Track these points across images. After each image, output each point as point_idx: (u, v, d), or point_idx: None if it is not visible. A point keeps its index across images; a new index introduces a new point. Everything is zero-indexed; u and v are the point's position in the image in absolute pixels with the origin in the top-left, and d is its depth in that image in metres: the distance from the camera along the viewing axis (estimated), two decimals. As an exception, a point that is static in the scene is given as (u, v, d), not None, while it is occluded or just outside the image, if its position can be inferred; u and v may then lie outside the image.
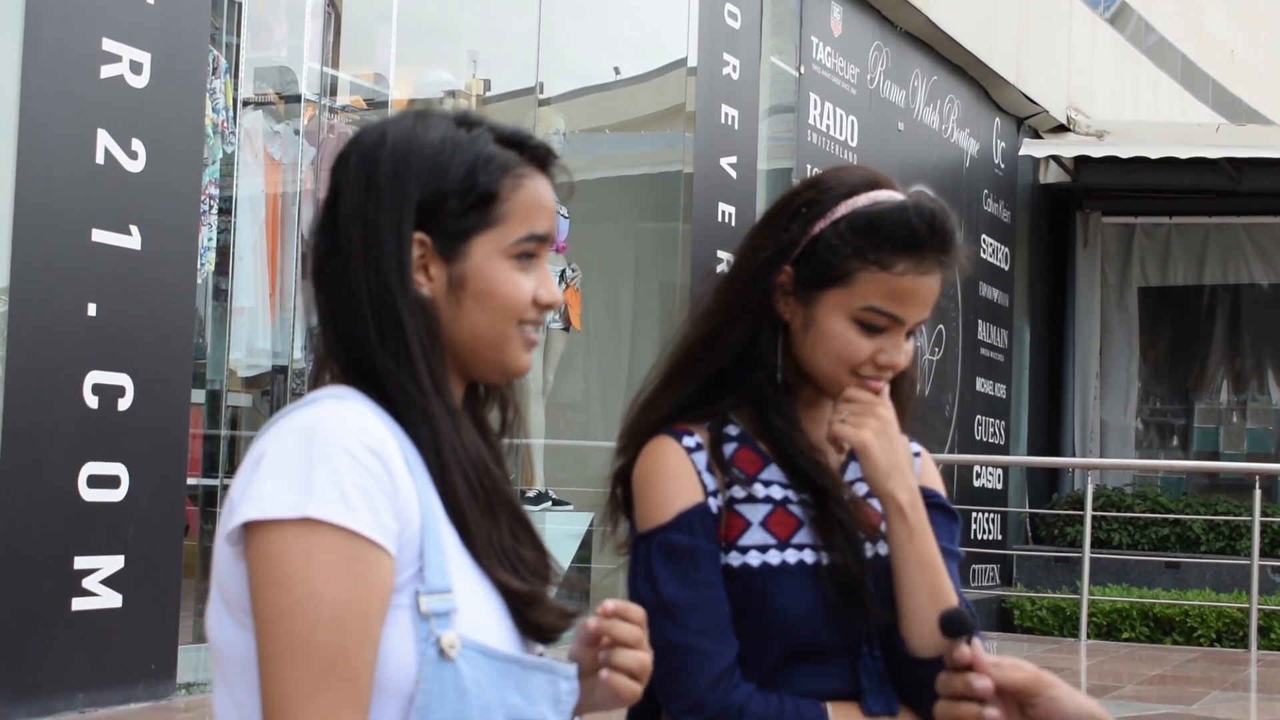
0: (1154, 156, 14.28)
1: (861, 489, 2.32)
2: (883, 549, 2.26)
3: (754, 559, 2.23)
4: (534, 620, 1.78)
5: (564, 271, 9.54)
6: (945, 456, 12.83)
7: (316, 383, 1.84)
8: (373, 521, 1.64)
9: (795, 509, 2.27)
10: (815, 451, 2.29)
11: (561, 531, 9.25)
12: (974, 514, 13.86)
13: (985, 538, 14.16)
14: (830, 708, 2.20)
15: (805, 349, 2.27)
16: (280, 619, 1.62)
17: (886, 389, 2.28)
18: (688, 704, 2.18)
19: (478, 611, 1.73)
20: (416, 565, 1.69)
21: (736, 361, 2.30)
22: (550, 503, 9.54)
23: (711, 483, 2.26)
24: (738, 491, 2.26)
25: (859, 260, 2.22)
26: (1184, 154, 14.19)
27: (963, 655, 1.58)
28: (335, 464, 1.65)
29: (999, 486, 14.57)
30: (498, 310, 1.80)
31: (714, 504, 2.25)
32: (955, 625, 1.59)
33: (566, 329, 9.68)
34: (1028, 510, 15.12)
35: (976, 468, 13.91)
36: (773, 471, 2.29)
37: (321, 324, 1.82)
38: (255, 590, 1.65)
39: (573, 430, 10.33)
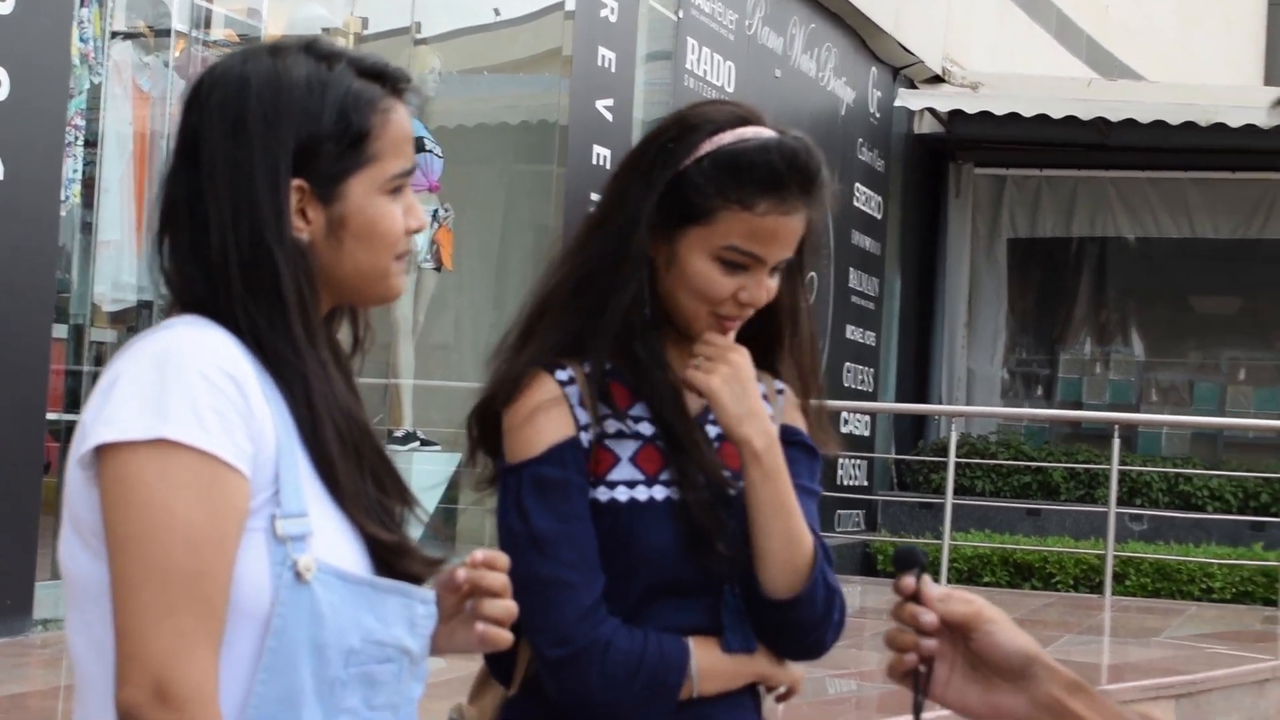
0: (1027, 114, 14.44)
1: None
2: (740, 485, 2.28)
3: (621, 494, 2.26)
4: (400, 569, 1.79)
5: (436, 211, 9.50)
6: (813, 403, 12.92)
7: (166, 316, 1.82)
8: (227, 443, 1.65)
9: (664, 445, 2.29)
10: (676, 390, 2.30)
11: (429, 472, 9.24)
12: (840, 460, 14.00)
13: (851, 484, 14.32)
14: (692, 643, 2.24)
15: (668, 286, 2.28)
16: (134, 541, 1.62)
17: (732, 336, 2.30)
18: (555, 637, 2.20)
19: (334, 539, 1.74)
20: (272, 489, 1.70)
21: (608, 299, 2.29)
22: (418, 443, 9.52)
23: (583, 417, 2.27)
24: (609, 426, 2.27)
25: (721, 199, 2.23)
26: (1057, 113, 14.36)
27: (907, 585, 1.66)
28: (189, 386, 1.65)
29: (866, 433, 14.72)
30: (379, 246, 1.81)
31: (585, 438, 2.26)
32: (906, 559, 1.67)
33: (438, 269, 9.64)
34: (893, 457, 15.29)
35: (844, 414, 14.05)
36: (643, 408, 2.31)
37: (176, 269, 1.80)
38: (108, 513, 1.65)
39: (443, 371, 10.31)
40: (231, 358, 1.70)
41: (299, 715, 1.70)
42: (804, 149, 2.27)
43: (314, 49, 1.84)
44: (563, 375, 2.28)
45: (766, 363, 2.39)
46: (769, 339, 2.38)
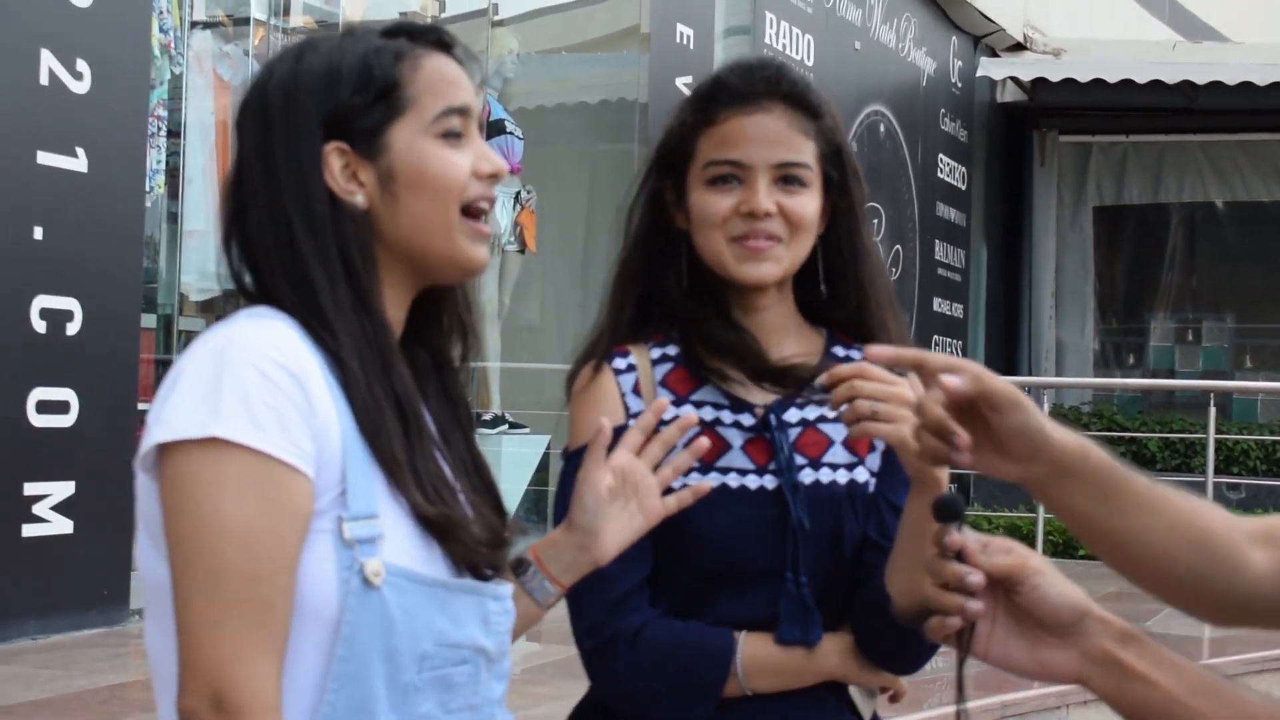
0: (1112, 80, 14.26)
1: (814, 412, 2.27)
2: (823, 476, 2.24)
3: (675, 482, 2.17)
4: (454, 550, 1.73)
5: (519, 194, 9.48)
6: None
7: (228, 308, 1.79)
8: (285, 442, 1.60)
9: (725, 431, 2.24)
10: (756, 370, 2.26)
11: (517, 455, 9.24)
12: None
13: (943, 458, 14.21)
14: (742, 637, 2.18)
15: (697, 241, 2.28)
16: (188, 543, 1.58)
17: (907, 384, 2.18)
18: (587, 624, 2.19)
19: (405, 538, 1.69)
20: (338, 489, 1.65)
21: (657, 280, 2.30)
22: (506, 426, 9.52)
23: (636, 404, 2.25)
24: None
25: (695, 131, 2.26)
26: (1141, 77, 14.17)
27: (954, 541, 1.54)
28: (244, 382, 1.60)
29: (956, 406, 14.60)
30: (435, 192, 1.76)
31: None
32: (948, 511, 1.56)
33: (522, 251, 9.63)
34: (985, 430, 15.14)
35: (934, 388, 13.95)
36: (706, 392, 2.27)
37: (232, 259, 1.78)
38: (166, 514, 1.61)
39: (529, 353, 10.31)
40: (291, 351, 1.65)
41: None
42: (757, 58, 2.34)
43: (345, 31, 1.83)
44: (621, 363, 2.27)
45: (861, 332, 2.32)
46: (862, 314, 2.32)
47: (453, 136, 1.78)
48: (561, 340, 10.07)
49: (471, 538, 1.75)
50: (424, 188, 1.75)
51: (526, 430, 9.57)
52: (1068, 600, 1.55)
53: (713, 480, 2.20)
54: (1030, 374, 15.61)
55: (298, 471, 1.61)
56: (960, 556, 1.54)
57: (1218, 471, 12.25)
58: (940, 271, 14.35)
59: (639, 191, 2.35)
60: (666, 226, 2.30)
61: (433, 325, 1.87)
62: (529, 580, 1.98)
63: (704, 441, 2.08)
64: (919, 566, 2.14)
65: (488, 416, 9.49)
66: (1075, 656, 1.55)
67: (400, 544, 1.68)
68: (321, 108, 1.74)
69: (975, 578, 1.53)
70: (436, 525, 1.71)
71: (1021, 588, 1.55)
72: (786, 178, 2.23)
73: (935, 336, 14.22)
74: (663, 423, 2.08)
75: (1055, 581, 1.55)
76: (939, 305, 14.31)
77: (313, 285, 1.70)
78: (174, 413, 1.61)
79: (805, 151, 2.25)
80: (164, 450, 1.61)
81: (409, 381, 1.76)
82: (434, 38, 1.82)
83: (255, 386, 1.60)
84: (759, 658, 2.18)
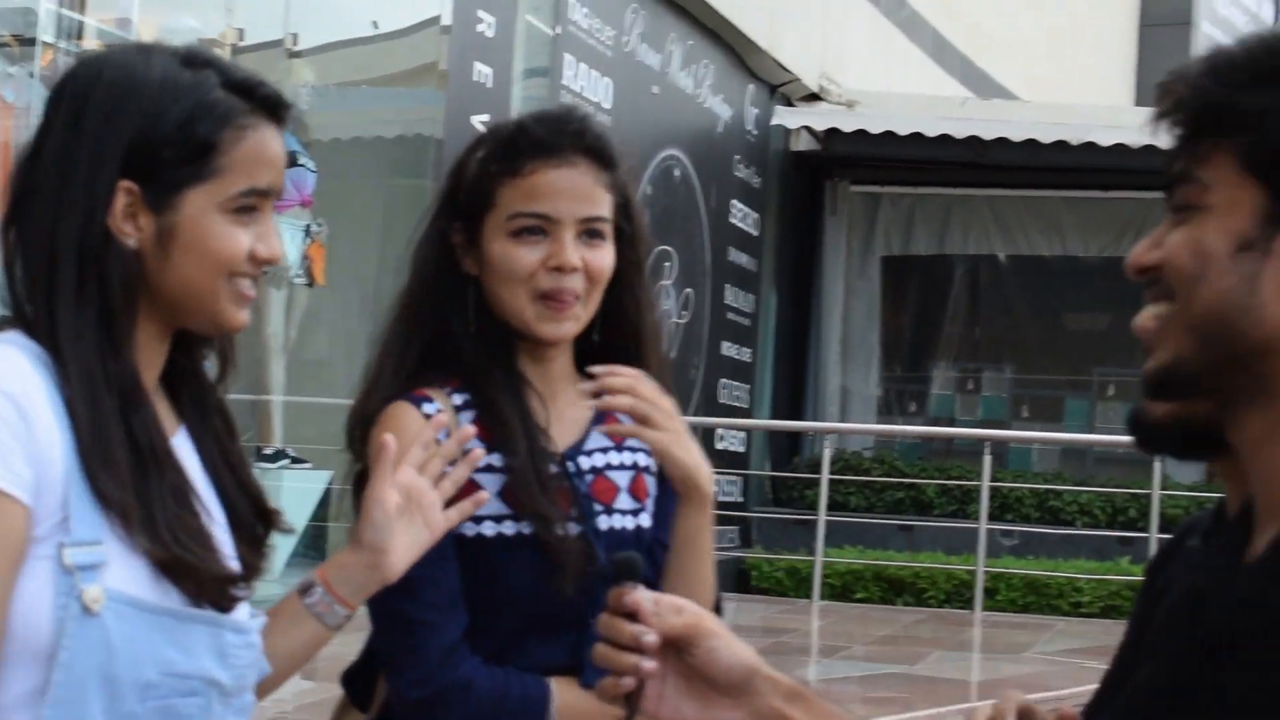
0: (902, 132, 14.59)
1: (601, 460, 2.33)
2: (616, 521, 2.30)
3: (488, 529, 2.23)
4: (187, 589, 1.71)
5: (309, 227, 9.41)
6: (690, 419, 12.92)
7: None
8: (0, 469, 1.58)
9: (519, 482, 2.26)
10: (535, 423, 2.28)
11: (299, 490, 9.14)
12: (716, 476, 13.98)
13: (726, 500, 14.35)
14: (553, 683, 2.22)
15: (491, 290, 2.28)
16: None
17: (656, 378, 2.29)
18: (415, 678, 2.19)
19: (133, 564, 1.66)
20: (60, 515, 1.62)
21: (444, 324, 2.30)
22: (288, 460, 9.42)
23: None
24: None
25: (497, 180, 2.26)
26: (931, 131, 14.51)
27: (629, 601, 1.57)
28: None
29: (741, 449, 14.77)
30: (207, 264, 1.73)
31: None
32: (624, 570, 1.58)
33: (310, 285, 9.56)
34: (768, 473, 15.35)
35: (720, 430, 14.09)
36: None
37: (7, 268, 1.74)
38: None
39: (315, 387, 10.21)
40: (17, 376, 1.63)
41: None
42: (564, 110, 2.36)
43: (187, 54, 1.78)
44: (430, 408, 2.25)
45: None
46: (630, 361, 2.35)
47: (245, 212, 1.76)
48: (349, 375, 9.88)
49: (206, 578, 1.72)
50: (200, 258, 1.74)
51: (309, 465, 9.48)
52: (738, 660, 1.57)
53: (525, 528, 2.23)
54: (815, 419, 15.83)
55: (11, 498, 1.59)
56: (634, 616, 1.57)
57: (992, 518, 12.57)
58: (730, 316, 14.51)
59: (427, 231, 2.34)
60: (454, 270, 2.30)
61: (190, 350, 1.85)
62: (316, 603, 1.95)
63: (480, 452, 2.10)
64: (691, 581, 2.24)
65: (269, 451, 9.38)
66: (746, 716, 1.57)
67: (129, 572, 1.66)
68: (133, 138, 1.71)
69: (650, 638, 1.55)
70: (166, 567, 1.69)
71: (694, 649, 1.57)
72: (590, 231, 2.27)
73: (723, 380, 14.38)
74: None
75: (727, 643, 1.58)
76: (727, 349, 14.47)
77: (57, 314, 1.67)
78: None
79: (605, 205, 2.29)
80: None
81: (153, 424, 1.73)
82: (270, 103, 1.79)
83: None
84: (570, 704, 2.22)
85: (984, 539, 11.85)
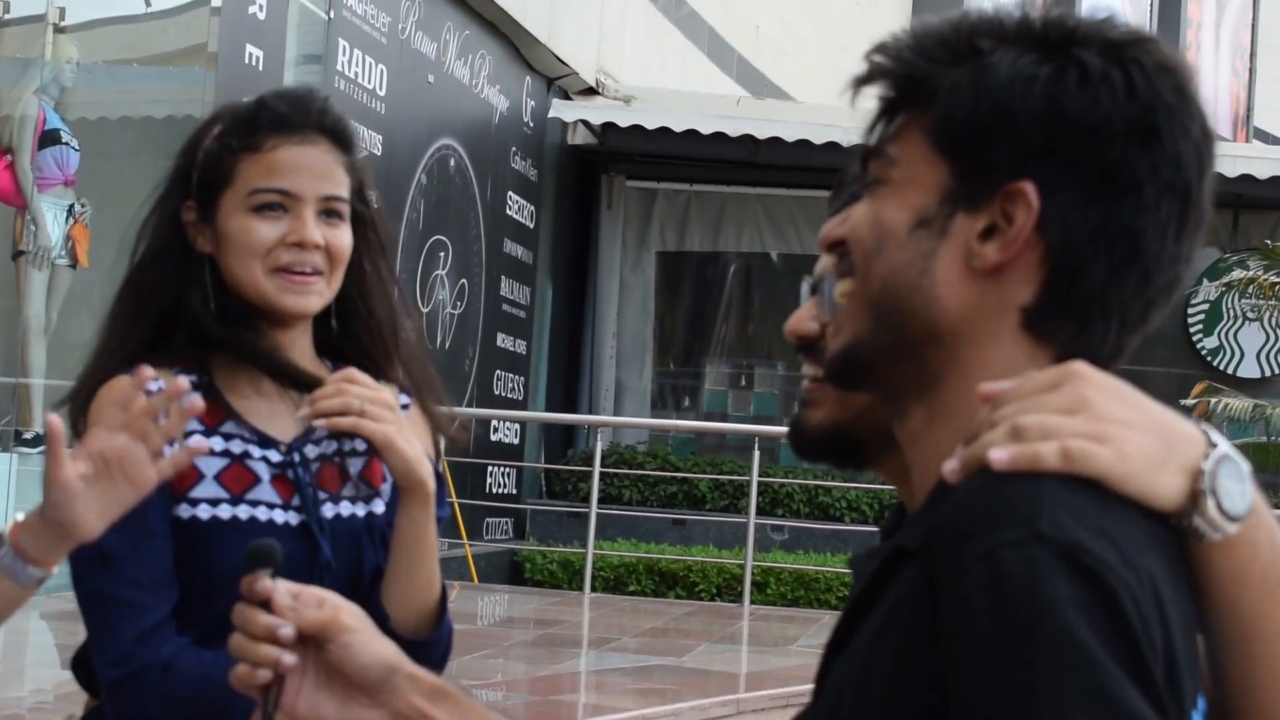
0: (678, 129, 14.68)
1: (331, 447, 2.30)
2: (344, 509, 2.27)
3: (204, 512, 2.19)
4: None
5: (72, 206, 9.16)
6: (464, 411, 12.89)
7: None
8: None
9: (255, 465, 2.23)
10: (271, 404, 2.27)
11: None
12: (489, 468, 13.99)
13: (500, 491, 14.32)
14: None
15: (227, 267, 2.25)
16: None
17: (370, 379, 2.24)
18: (113, 656, 2.13)
19: None
20: None
21: (176, 304, 2.25)
22: (48, 446, 9.16)
23: None
24: (194, 442, 2.15)
25: (237, 155, 2.23)
26: (706, 129, 14.63)
27: (261, 588, 1.51)
28: None
29: (516, 441, 14.75)
30: None
31: (167, 452, 2.14)
32: (259, 557, 1.52)
33: (73, 266, 9.31)
34: (543, 466, 15.36)
35: (494, 422, 14.05)
36: (233, 425, 2.25)
37: None
38: None
39: (77, 370, 9.94)
40: None
41: None
42: (305, 90, 2.35)
43: None
44: (153, 386, 2.16)
45: (382, 374, 2.34)
46: (375, 349, 2.34)
47: None
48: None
49: None
50: None
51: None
52: (378, 658, 1.52)
53: (241, 512, 2.19)
54: (590, 412, 15.87)
55: None
56: (267, 606, 1.53)
57: (762, 513, 12.70)
58: (505, 308, 14.48)
59: (156, 207, 2.30)
60: (185, 248, 2.26)
61: None
62: (6, 562, 1.90)
63: (198, 400, 1.99)
64: (414, 576, 2.21)
65: (29, 435, 9.11)
66: (386, 715, 1.52)
67: None
68: None
69: (286, 630, 1.50)
70: None
71: (331, 645, 1.52)
72: (329, 211, 2.24)
73: (498, 371, 14.33)
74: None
75: (367, 640, 1.53)
76: (503, 341, 14.43)
77: None
78: None
79: (344, 186, 2.27)
80: None
81: None
82: None
83: None
84: None
85: (752, 533, 11.96)
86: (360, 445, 2.29)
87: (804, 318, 1.50)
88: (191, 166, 2.27)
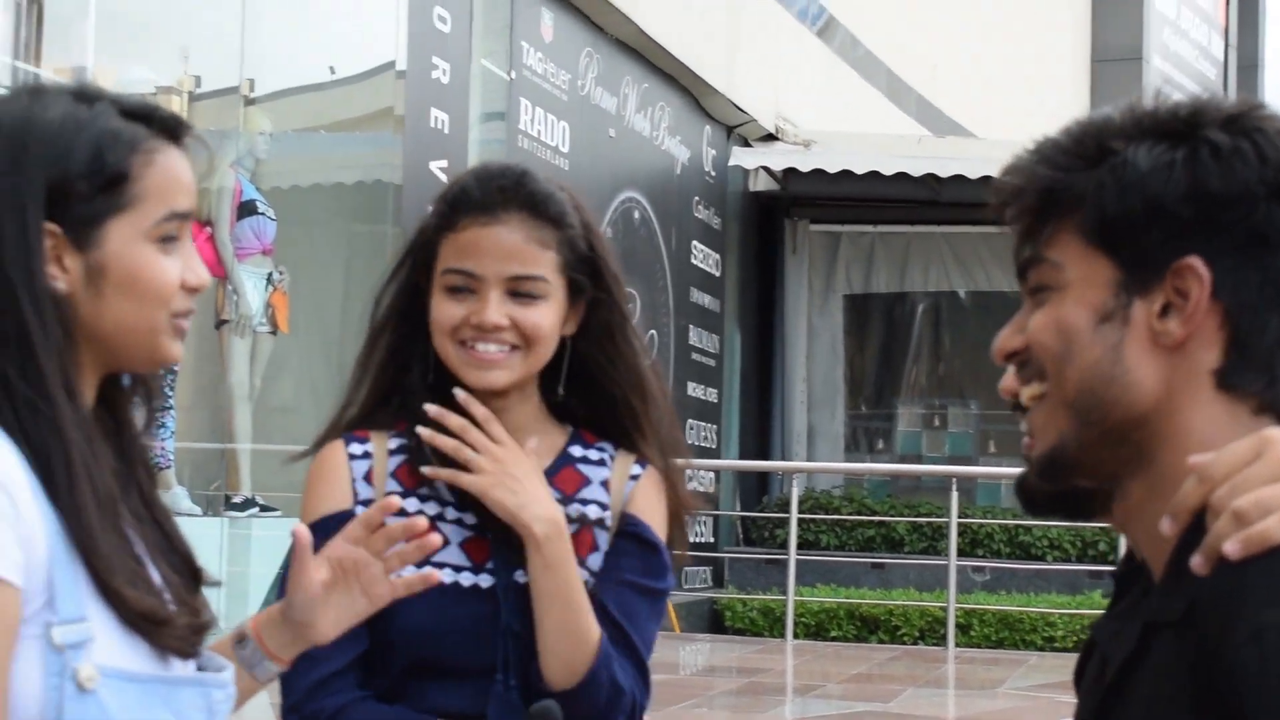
0: (859, 171, 14.63)
1: None
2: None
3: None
4: (161, 643, 1.67)
5: (271, 275, 9.37)
6: (688, 461, 12.91)
7: None
8: None
9: (446, 527, 2.25)
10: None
11: (269, 538, 9.08)
12: (686, 517, 13.97)
13: (697, 540, 14.32)
14: None
15: (434, 341, 2.29)
16: None
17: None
18: (289, 704, 2.20)
19: (114, 635, 1.63)
20: (46, 595, 1.59)
21: (403, 370, 2.31)
22: (257, 508, 9.35)
23: (366, 492, 2.26)
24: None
25: (438, 234, 2.28)
26: (888, 169, 14.56)
27: None
28: None
29: (711, 490, 14.74)
30: (145, 298, 1.68)
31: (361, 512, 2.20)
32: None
33: (274, 333, 9.51)
34: (739, 513, 15.33)
35: (689, 471, 14.04)
36: (432, 488, 2.28)
37: None
38: None
39: (282, 435, 10.14)
40: None
41: None
42: (500, 166, 2.33)
43: (77, 90, 1.73)
44: (357, 449, 2.28)
45: (625, 439, 2.35)
46: (618, 413, 2.34)
47: (169, 241, 1.71)
48: (316, 421, 9.88)
49: (179, 628, 1.70)
50: (134, 292, 1.68)
51: (278, 513, 9.41)
52: None
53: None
54: (782, 458, 15.83)
55: (7, 583, 1.55)
56: None
57: (962, 554, 12.54)
58: (695, 356, 14.51)
59: (390, 280, 2.35)
60: (418, 317, 2.30)
61: (115, 388, 1.79)
62: (248, 656, 1.94)
63: (435, 538, 2.04)
64: (544, 627, 2.21)
65: (238, 499, 9.31)
66: None
67: (107, 643, 1.63)
68: (47, 179, 1.65)
69: None
70: (147, 620, 1.66)
71: None
72: (518, 291, 2.25)
73: (690, 420, 14.35)
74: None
75: None
76: (694, 390, 14.45)
77: (38, 372, 1.62)
78: None
79: (542, 263, 2.26)
80: None
81: (109, 472, 1.69)
82: (170, 126, 1.75)
83: None
84: None
85: (954, 575, 11.81)
86: (572, 511, 2.30)
87: (1010, 334, 1.50)
88: (415, 241, 2.33)
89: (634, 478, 2.35)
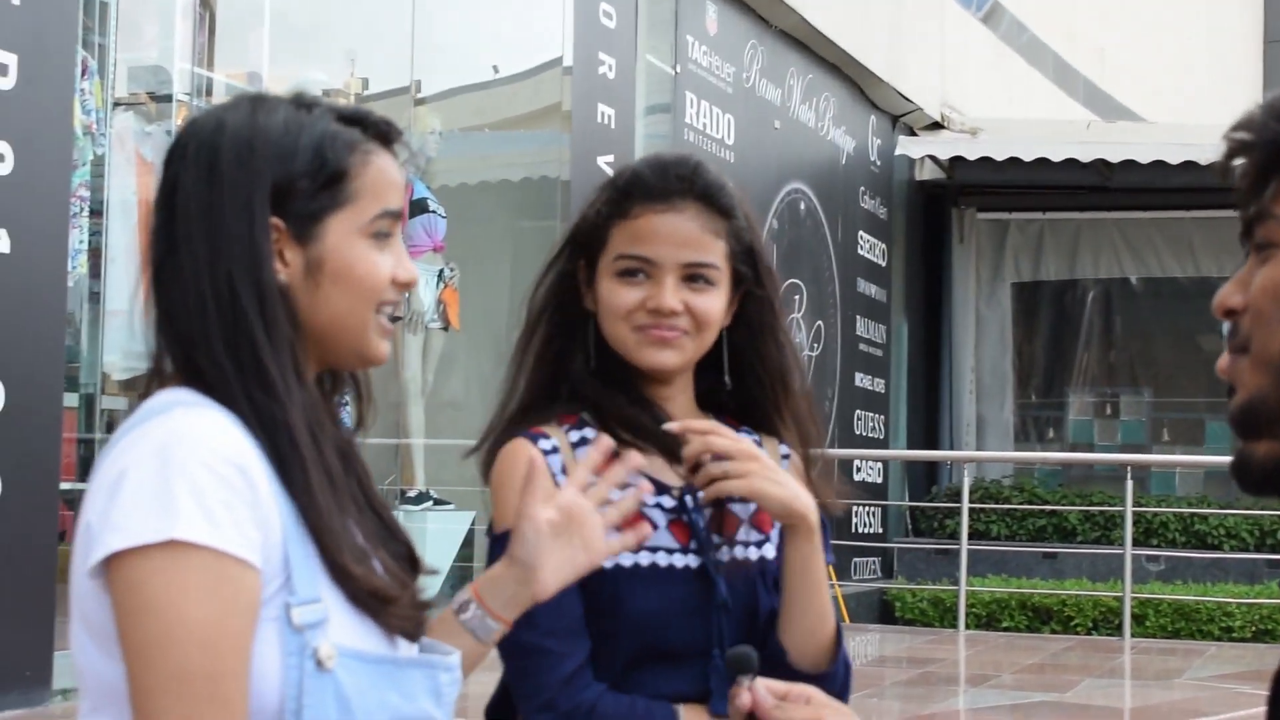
0: (1027, 158, 14.48)
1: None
2: (737, 553, 2.31)
3: (608, 562, 2.22)
4: (387, 623, 1.74)
5: (442, 271, 9.51)
6: (826, 451, 12.90)
7: (147, 389, 1.76)
8: (236, 536, 1.60)
9: (650, 512, 2.28)
10: (669, 449, 2.31)
11: (443, 531, 9.22)
12: (854, 508, 13.97)
13: (866, 531, 14.28)
14: (681, 709, 2.24)
15: (602, 325, 2.33)
16: (151, 648, 1.58)
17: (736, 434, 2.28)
18: (539, 703, 2.21)
19: (344, 615, 1.70)
20: (283, 576, 1.66)
21: (564, 359, 2.35)
22: (431, 502, 9.50)
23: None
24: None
25: (609, 221, 2.32)
26: (1057, 156, 14.38)
27: (744, 703, 1.55)
28: (196, 481, 1.60)
29: (879, 480, 14.69)
30: (357, 291, 1.77)
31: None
32: (739, 665, 1.57)
33: (445, 329, 9.65)
34: (907, 504, 15.25)
35: (856, 462, 14.03)
36: (631, 474, 2.28)
37: (160, 328, 1.75)
38: (122, 620, 1.60)
39: (454, 429, 10.29)
40: (234, 442, 1.65)
41: None
42: (675, 155, 2.37)
43: (296, 97, 1.82)
44: (546, 444, 2.29)
45: (768, 426, 2.40)
46: (764, 402, 2.39)
47: (381, 237, 1.80)
48: (486, 416, 10.02)
49: (405, 607, 1.76)
50: (349, 285, 1.77)
51: (452, 506, 9.55)
52: None
53: (642, 559, 2.26)
54: (952, 448, 15.72)
55: (248, 564, 1.62)
56: (752, 715, 1.56)
57: (1136, 543, 12.38)
58: (862, 347, 14.47)
59: (547, 270, 2.39)
60: (575, 307, 2.35)
61: (330, 394, 1.88)
62: (470, 619, 1.96)
63: (647, 485, 2.12)
64: (807, 610, 2.24)
65: (413, 493, 9.47)
66: None
67: (339, 623, 1.69)
68: (273, 176, 1.74)
69: None
70: (375, 599, 1.72)
71: None
72: (693, 276, 2.30)
73: (858, 411, 14.32)
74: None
75: None
76: (860, 380, 14.41)
77: (261, 361, 1.69)
78: (126, 519, 1.59)
79: (714, 252, 2.31)
80: (116, 557, 1.59)
81: (335, 455, 1.76)
82: (382, 130, 1.84)
83: (207, 485, 1.60)
84: None
85: (1129, 565, 11.66)
86: None
87: (1232, 290, 1.45)
88: (580, 229, 2.37)
89: (785, 457, 2.40)
